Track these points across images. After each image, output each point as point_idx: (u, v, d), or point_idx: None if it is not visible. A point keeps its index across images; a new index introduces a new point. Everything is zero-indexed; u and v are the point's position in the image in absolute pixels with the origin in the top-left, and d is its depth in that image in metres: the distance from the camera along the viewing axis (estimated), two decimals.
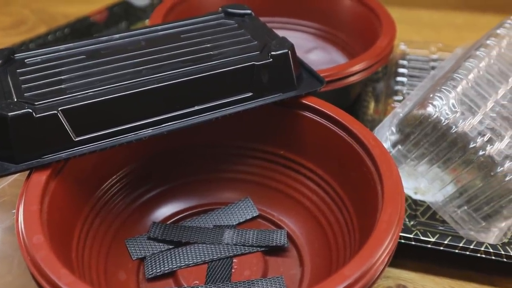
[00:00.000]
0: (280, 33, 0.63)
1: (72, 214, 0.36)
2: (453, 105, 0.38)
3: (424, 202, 0.45)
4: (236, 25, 0.45)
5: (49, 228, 0.31)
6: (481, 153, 0.37)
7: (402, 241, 0.40)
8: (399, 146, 0.41)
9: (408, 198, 0.47)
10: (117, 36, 0.42)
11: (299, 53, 0.61)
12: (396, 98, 0.50)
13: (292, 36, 0.63)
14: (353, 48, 0.58)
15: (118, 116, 0.36)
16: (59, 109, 0.33)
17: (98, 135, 0.35)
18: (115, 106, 0.35)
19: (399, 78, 0.53)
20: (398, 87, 0.51)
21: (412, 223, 0.44)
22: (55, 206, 0.33)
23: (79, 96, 0.35)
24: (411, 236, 0.40)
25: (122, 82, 0.36)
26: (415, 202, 0.46)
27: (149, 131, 0.36)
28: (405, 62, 0.55)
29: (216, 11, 0.47)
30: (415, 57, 0.56)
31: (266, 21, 0.63)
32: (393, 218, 0.31)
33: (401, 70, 0.54)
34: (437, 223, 0.44)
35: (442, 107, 0.38)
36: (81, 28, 0.69)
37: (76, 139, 0.34)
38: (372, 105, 0.57)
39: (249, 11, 0.46)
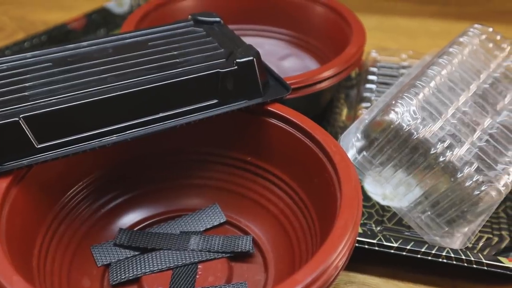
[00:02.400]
0: (255, 40, 0.64)
1: (34, 221, 0.36)
2: (414, 112, 0.39)
3: (391, 208, 0.46)
4: (204, 32, 0.45)
5: (7, 235, 0.31)
6: (441, 159, 0.38)
7: (366, 246, 0.40)
8: (364, 152, 0.42)
9: (376, 204, 0.47)
10: (85, 43, 0.43)
11: (273, 60, 0.62)
12: (365, 104, 0.51)
13: (267, 43, 0.64)
14: (326, 54, 0.58)
15: (82, 123, 0.36)
16: (20, 116, 0.33)
17: (61, 142, 0.35)
18: (78, 113, 0.35)
19: (368, 85, 0.53)
20: (367, 94, 0.52)
21: (378, 228, 0.45)
22: (15, 213, 0.33)
23: (42, 103, 0.35)
24: (375, 241, 0.40)
25: (86, 89, 0.37)
26: (382, 208, 0.47)
27: (113, 138, 0.37)
28: (375, 69, 0.55)
29: (186, 18, 0.47)
30: (385, 64, 0.56)
31: (241, 28, 0.64)
32: (349, 223, 0.31)
33: (370, 77, 0.54)
34: (403, 229, 0.45)
35: (404, 113, 0.39)
36: (58, 35, 0.69)
37: (39, 146, 0.35)
38: (345, 112, 0.58)
39: (218, 19, 0.47)
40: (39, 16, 0.81)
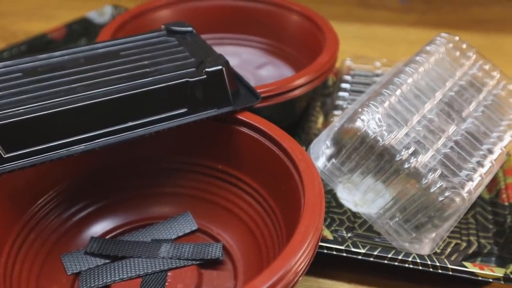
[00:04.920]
0: (233, 49, 0.65)
1: (2, 229, 0.36)
2: (379, 119, 0.39)
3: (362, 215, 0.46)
4: (177, 42, 0.45)
5: None
6: (406, 165, 0.39)
7: (334, 252, 0.41)
8: (333, 160, 0.42)
9: (347, 210, 0.48)
10: (57, 53, 0.43)
11: (250, 69, 0.63)
12: (337, 112, 0.51)
13: (244, 52, 0.64)
14: (302, 63, 0.59)
15: (49, 133, 0.36)
16: None
17: (28, 151, 0.35)
18: (46, 123, 0.36)
19: (341, 93, 0.54)
20: (340, 102, 0.53)
21: (349, 235, 0.45)
22: None
23: (9, 113, 0.35)
24: (343, 247, 0.40)
25: (55, 99, 0.37)
26: (354, 214, 0.47)
27: (81, 147, 0.37)
28: (348, 77, 0.56)
29: (159, 28, 0.48)
30: (359, 72, 0.57)
31: (219, 37, 0.65)
32: (310, 229, 0.32)
33: (344, 85, 0.55)
34: (374, 235, 0.45)
35: (369, 121, 0.39)
36: (38, 45, 0.69)
37: (6, 156, 0.35)
38: (321, 120, 0.58)
39: (190, 29, 0.47)
40: (21, 26, 0.81)
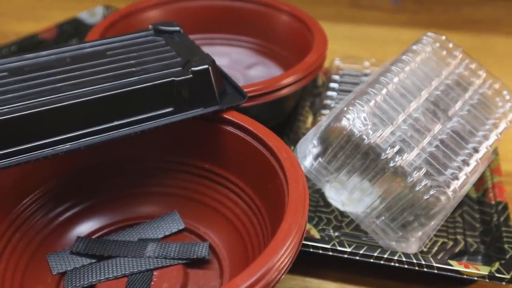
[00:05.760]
0: (223, 49, 0.65)
1: None
2: (365, 118, 0.39)
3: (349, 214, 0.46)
4: (164, 42, 0.45)
5: None
6: (391, 164, 0.39)
7: (321, 251, 0.41)
8: (320, 159, 0.42)
9: (335, 209, 0.48)
10: (43, 53, 0.43)
11: (240, 69, 0.63)
12: (325, 112, 0.51)
13: (234, 52, 0.64)
14: (291, 63, 0.59)
15: (34, 132, 0.36)
16: None
17: (13, 150, 0.35)
18: (31, 122, 0.36)
19: (329, 93, 0.54)
20: (328, 101, 0.53)
21: (336, 234, 0.45)
22: None
23: None
24: (329, 246, 0.40)
25: (40, 98, 0.37)
26: (341, 213, 0.47)
27: (66, 146, 0.37)
28: (337, 77, 0.56)
29: (147, 28, 0.48)
30: (348, 72, 0.57)
31: (209, 37, 0.65)
32: (292, 227, 0.32)
33: (332, 84, 0.55)
34: (361, 234, 0.45)
35: (355, 120, 0.39)
36: (29, 46, 0.69)
37: None
38: (310, 119, 0.58)
39: (177, 28, 0.47)
40: (12, 27, 0.81)
